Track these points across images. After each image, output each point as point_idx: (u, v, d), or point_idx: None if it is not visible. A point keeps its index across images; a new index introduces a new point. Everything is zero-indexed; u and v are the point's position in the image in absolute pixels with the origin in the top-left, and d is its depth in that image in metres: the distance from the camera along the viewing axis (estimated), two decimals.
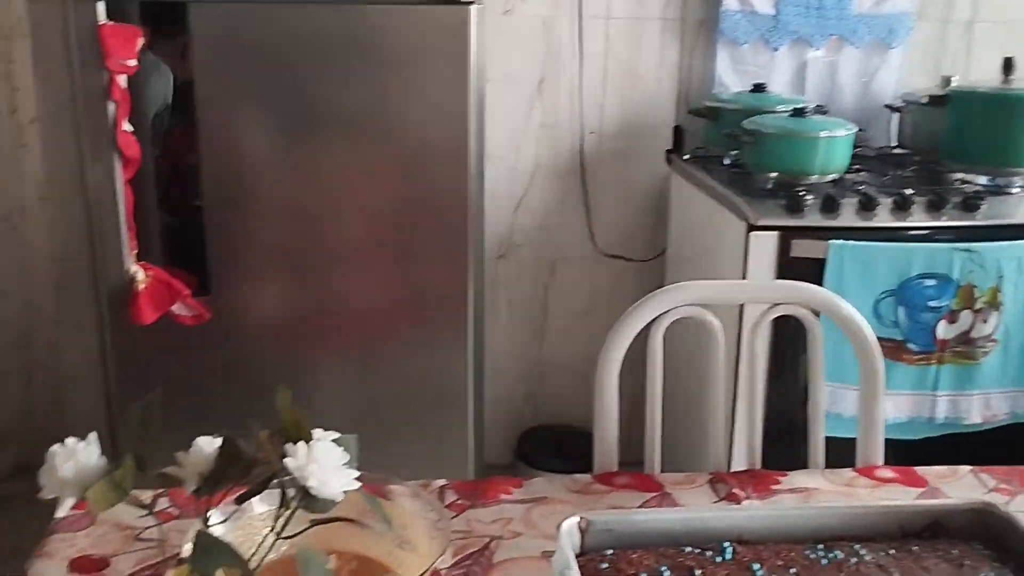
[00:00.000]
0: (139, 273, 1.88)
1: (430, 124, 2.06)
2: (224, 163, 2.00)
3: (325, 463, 0.70)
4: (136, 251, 1.91)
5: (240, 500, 0.78)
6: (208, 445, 0.77)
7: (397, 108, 2.03)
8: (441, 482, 1.25)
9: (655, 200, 2.75)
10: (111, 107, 1.82)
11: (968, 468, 1.31)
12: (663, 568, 0.98)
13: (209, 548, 0.65)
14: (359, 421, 2.19)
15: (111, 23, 1.79)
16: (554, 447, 2.76)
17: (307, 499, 0.71)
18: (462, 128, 2.06)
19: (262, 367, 2.10)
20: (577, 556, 1.01)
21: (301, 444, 0.71)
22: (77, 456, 0.72)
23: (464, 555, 1.10)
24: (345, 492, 0.72)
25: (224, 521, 0.79)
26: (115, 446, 2.20)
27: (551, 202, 2.76)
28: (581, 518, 1.02)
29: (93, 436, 0.75)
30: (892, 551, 1.03)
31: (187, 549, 0.84)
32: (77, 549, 1.07)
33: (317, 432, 0.78)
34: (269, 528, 0.77)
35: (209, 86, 1.93)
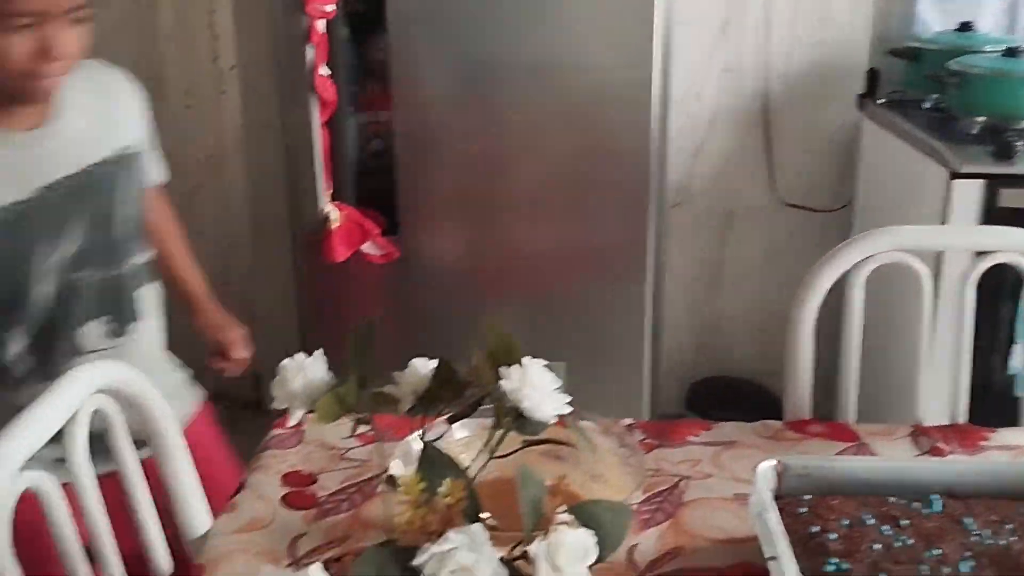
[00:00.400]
0: (333, 212, 1.96)
1: (614, 68, 2.04)
2: (413, 108, 2.05)
3: (539, 386, 0.72)
4: (331, 191, 1.99)
5: (452, 420, 0.81)
6: (423, 367, 0.80)
7: (581, 52, 2.01)
8: (627, 421, 1.25)
9: (843, 147, 2.63)
10: (310, 52, 1.89)
11: None
12: (866, 516, 0.95)
13: (435, 460, 0.68)
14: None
15: None
16: (725, 399, 2.72)
17: (520, 421, 0.73)
18: (646, 72, 2.03)
19: (446, 306, 2.15)
20: (774, 499, 1.00)
21: (515, 367, 0.73)
22: (306, 371, 0.76)
23: (654, 492, 1.10)
24: (557, 415, 0.73)
25: (437, 439, 0.83)
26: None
27: (731, 149, 2.68)
28: (778, 461, 1.00)
29: (320, 352, 0.79)
30: None
31: (394, 467, 0.88)
32: (288, 465, 1.14)
33: (526, 358, 0.79)
34: (474, 450, 0.79)
35: (401, 32, 1.98)
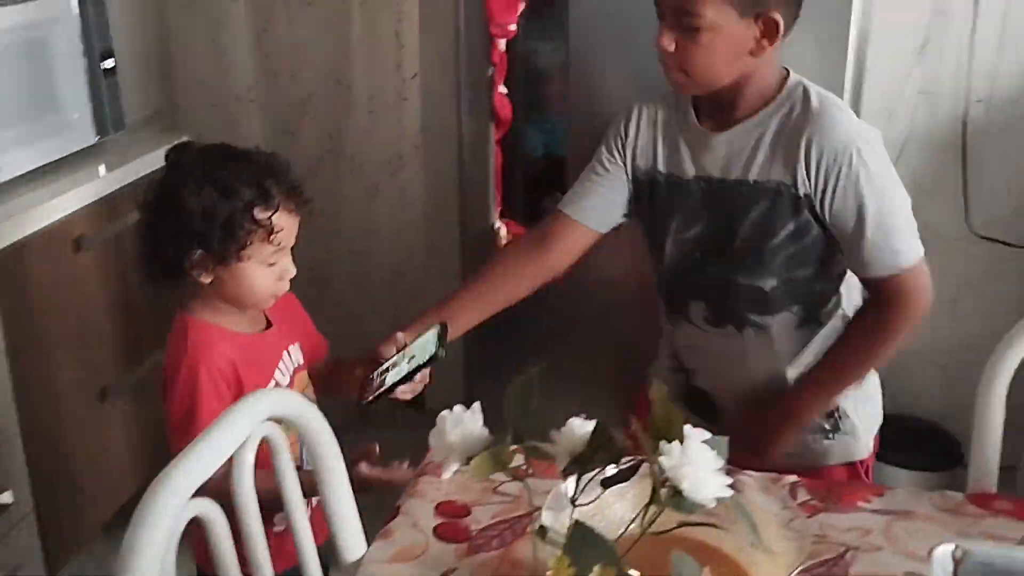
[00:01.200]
0: (502, 229, 1.98)
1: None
2: (590, 122, 2.03)
3: (699, 465, 0.69)
4: (500, 208, 2.00)
5: (606, 484, 0.79)
6: (580, 427, 0.79)
7: None
8: (792, 478, 1.20)
9: None
10: (489, 69, 1.90)
11: None
12: None
13: (585, 539, 0.66)
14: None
15: None
16: (905, 441, 2.57)
17: (677, 498, 0.70)
18: (837, 92, 1.93)
19: (611, 329, 2.13)
20: None
21: (676, 444, 0.70)
22: (464, 424, 0.76)
23: (817, 561, 1.04)
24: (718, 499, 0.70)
25: (591, 502, 0.81)
26: (469, 388, 2.35)
27: (923, 175, 2.52)
28: (957, 547, 0.93)
29: (477, 407, 0.79)
30: None
31: (545, 516, 0.87)
32: (443, 493, 1.16)
33: (687, 429, 0.76)
34: (627, 501, 0.77)
35: (581, 47, 1.97)
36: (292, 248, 1.37)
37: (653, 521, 0.71)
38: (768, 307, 1.42)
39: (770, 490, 1.11)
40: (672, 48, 1.31)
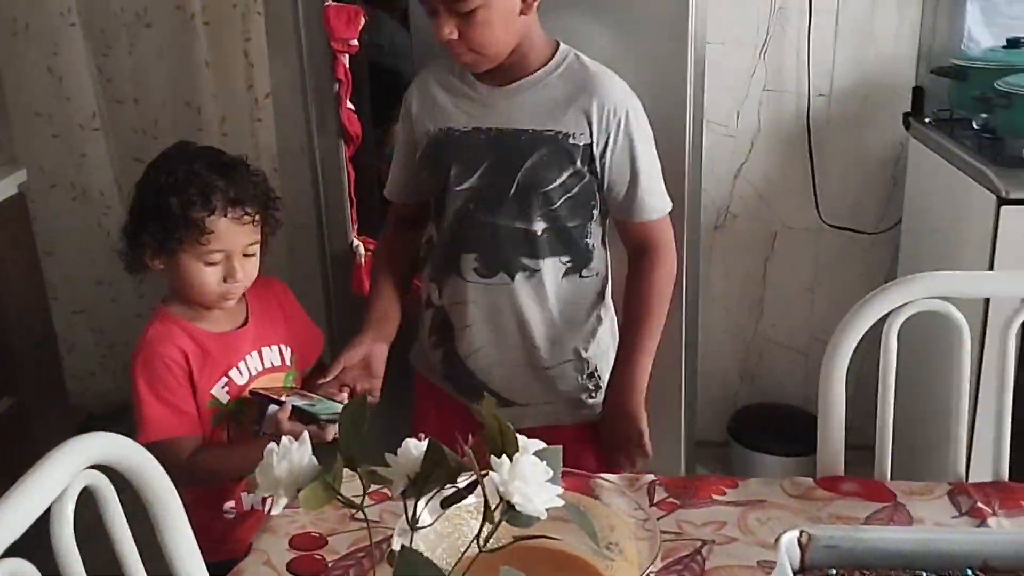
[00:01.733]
0: (360, 247, 1.94)
1: (646, 88, 1.98)
2: None
3: (529, 479, 0.68)
4: (357, 225, 1.97)
5: (445, 504, 0.77)
6: (416, 448, 0.77)
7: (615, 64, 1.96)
8: (650, 477, 1.21)
9: (888, 168, 2.55)
10: (335, 86, 1.87)
11: None
12: None
13: (414, 566, 0.64)
14: None
15: (335, 3, 1.83)
16: (770, 427, 2.65)
17: (511, 513, 0.69)
18: (680, 94, 1.98)
19: None
20: (797, 572, 0.94)
21: (505, 459, 0.69)
22: (291, 457, 0.73)
23: (674, 559, 1.05)
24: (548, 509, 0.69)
25: (431, 523, 0.79)
26: None
27: (772, 170, 2.61)
28: (802, 532, 0.95)
29: (306, 436, 0.76)
30: None
31: (396, 542, 0.84)
32: (298, 526, 1.12)
33: (522, 441, 0.75)
34: (472, 534, 0.76)
35: (426, 56, 1.95)
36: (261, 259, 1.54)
37: (488, 539, 0.70)
38: (538, 251, 1.52)
39: (625, 494, 1.11)
40: (456, 36, 1.40)
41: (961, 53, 2.34)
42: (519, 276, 1.53)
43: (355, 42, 1.84)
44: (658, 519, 1.12)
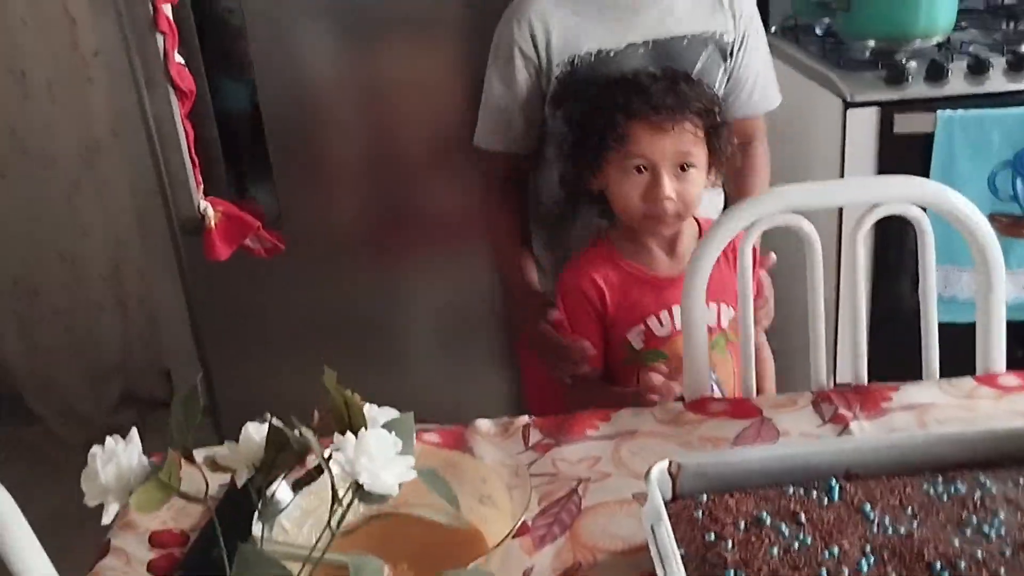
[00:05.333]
0: (208, 209, 1.84)
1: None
2: (280, 83, 1.93)
3: (377, 454, 0.64)
4: (203, 187, 1.86)
5: (295, 488, 0.73)
6: (258, 432, 0.72)
7: (466, 6, 1.89)
8: (524, 420, 1.19)
9: None
10: (160, 39, 1.74)
11: None
12: (764, 514, 0.90)
13: (253, 563, 0.60)
14: (442, 333, 2.16)
15: None
16: None
17: (360, 493, 0.65)
18: None
19: (346, 288, 2.07)
20: (670, 502, 0.95)
21: (349, 436, 0.65)
22: (118, 459, 0.68)
23: (551, 501, 1.04)
24: (401, 484, 0.66)
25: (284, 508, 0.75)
26: (208, 375, 2.20)
27: None
28: (671, 462, 0.94)
29: (134, 433, 0.70)
30: (1022, 479, 0.93)
31: (256, 529, 0.80)
32: (159, 521, 1.05)
33: (371, 411, 0.72)
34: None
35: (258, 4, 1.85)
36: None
37: (341, 522, 0.66)
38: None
39: (498, 445, 1.09)
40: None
41: None
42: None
43: None
44: (534, 462, 1.11)
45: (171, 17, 1.73)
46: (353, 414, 0.70)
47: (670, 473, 0.94)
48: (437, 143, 1.99)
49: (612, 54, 1.48)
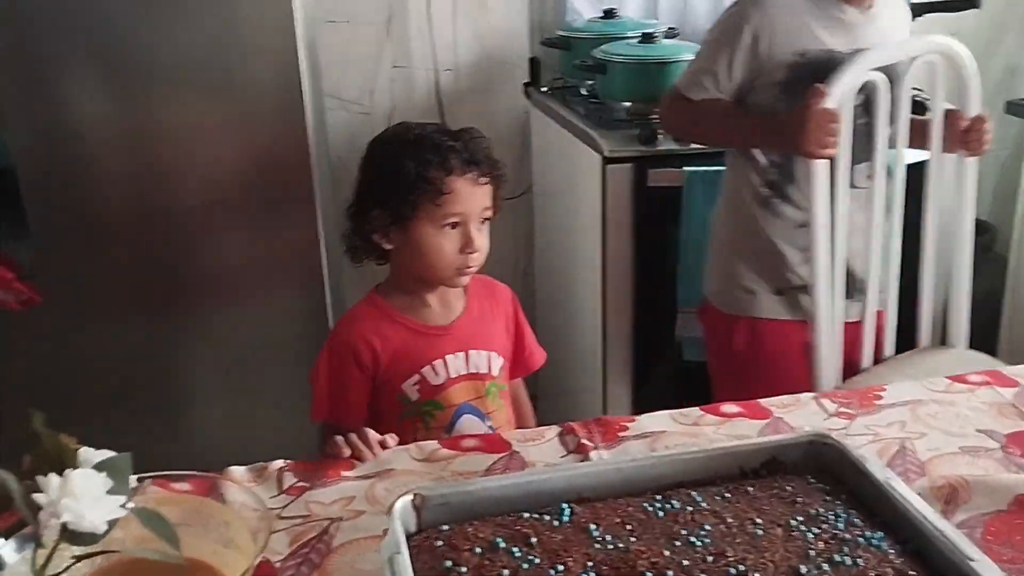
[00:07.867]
0: None
1: (261, 70, 1.95)
2: (36, 130, 1.86)
3: (83, 494, 0.64)
4: None
5: (6, 536, 0.71)
6: None
7: (222, 54, 1.91)
8: (279, 464, 1.20)
9: (517, 136, 2.70)
10: None
11: (810, 395, 1.32)
12: (499, 539, 0.95)
13: None
14: (215, 384, 2.12)
15: None
16: None
17: (69, 534, 0.65)
18: (294, 73, 1.96)
19: (109, 343, 2.00)
20: (415, 534, 0.98)
21: (52, 477, 0.65)
22: None
23: (301, 543, 1.05)
24: (111, 522, 0.66)
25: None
26: None
27: None
28: (415, 494, 0.98)
29: None
30: (728, 494, 1.02)
31: None
32: None
33: (86, 453, 0.71)
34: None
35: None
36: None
37: (46, 564, 0.65)
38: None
39: (257, 483, 1.10)
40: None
41: (566, 25, 2.52)
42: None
43: None
44: (287, 505, 1.12)
45: None
46: (65, 457, 0.69)
47: (415, 506, 0.98)
48: (205, 195, 1.98)
49: (841, 56, 1.67)
